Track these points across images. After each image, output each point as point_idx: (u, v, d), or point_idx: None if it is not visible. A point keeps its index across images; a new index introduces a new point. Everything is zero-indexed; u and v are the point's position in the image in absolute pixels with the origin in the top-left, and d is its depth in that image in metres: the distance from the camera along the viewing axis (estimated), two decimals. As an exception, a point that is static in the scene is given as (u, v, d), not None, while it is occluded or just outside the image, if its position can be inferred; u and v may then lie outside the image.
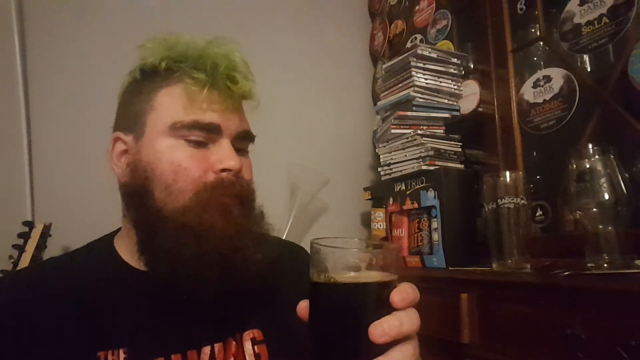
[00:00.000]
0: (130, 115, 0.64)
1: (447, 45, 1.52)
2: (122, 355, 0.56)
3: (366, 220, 1.86)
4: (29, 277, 0.64)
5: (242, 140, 0.65)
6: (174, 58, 0.62)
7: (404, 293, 0.43)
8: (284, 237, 1.36)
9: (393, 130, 1.40)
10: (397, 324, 0.42)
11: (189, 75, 0.60)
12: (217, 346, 0.61)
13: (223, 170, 0.60)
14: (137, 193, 0.61)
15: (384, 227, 1.53)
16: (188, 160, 0.59)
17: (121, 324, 0.58)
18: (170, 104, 0.61)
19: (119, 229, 0.67)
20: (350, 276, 0.43)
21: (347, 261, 0.43)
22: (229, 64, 0.62)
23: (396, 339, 0.41)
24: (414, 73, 1.37)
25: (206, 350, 0.60)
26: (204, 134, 0.60)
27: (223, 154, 0.61)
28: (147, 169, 0.60)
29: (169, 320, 0.58)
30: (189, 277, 0.56)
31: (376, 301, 0.42)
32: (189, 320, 0.59)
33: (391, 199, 1.41)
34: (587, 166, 0.87)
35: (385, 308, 0.42)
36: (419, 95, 1.38)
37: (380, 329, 0.41)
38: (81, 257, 0.66)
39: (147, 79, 0.63)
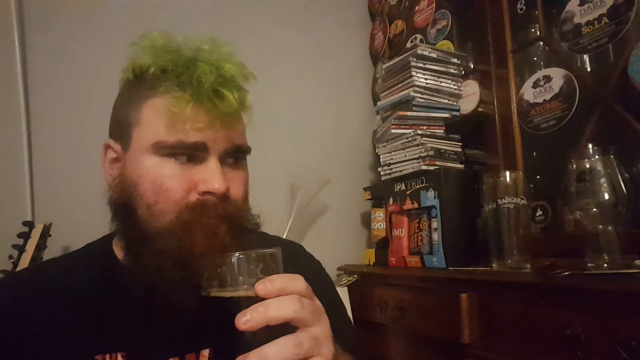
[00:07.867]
0: (119, 124, 0.62)
1: (447, 45, 1.51)
2: (120, 358, 0.56)
3: (366, 220, 1.86)
4: (27, 279, 0.64)
5: (235, 155, 0.61)
6: (161, 66, 0.58)
7: (267, 282, 0.44)
8: (284, 237, 1.36)
9: (393, 130, 1.40)
10: (261, 309, 0.43)
11: (171, 92, 0.57)
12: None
13: (207, 192, 0.57)
14: (123, 208, 0.60)
15: (384, 227, 1.53)
16: (171, 180, 0.57)
17: (119, 327, 0.58)
18: (154, 120, 0.58)
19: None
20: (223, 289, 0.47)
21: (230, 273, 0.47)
22: (216, 78, 0.57)
23: (269, 326, 0.43)
24: (414, 73, 1.37)
25: (205, 353, 0.60)
26: (189, 153, 0.57)
27: (208, 175, 0.57)
28: (131, 186, 0.58)
29: (167, 323, 0.57)
30: (167, 299, 0.55)
31: (246, 303, 0.44)
32: (187, 323, 0.58)
33: (391, 199, 1.41)
34: (587, 166, 0.87)
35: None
36: (419, 95, 1.38)
37: (243, 316, 0.42)
38: (79, 258, 0.66)
39: (137, 83, 0.61)
